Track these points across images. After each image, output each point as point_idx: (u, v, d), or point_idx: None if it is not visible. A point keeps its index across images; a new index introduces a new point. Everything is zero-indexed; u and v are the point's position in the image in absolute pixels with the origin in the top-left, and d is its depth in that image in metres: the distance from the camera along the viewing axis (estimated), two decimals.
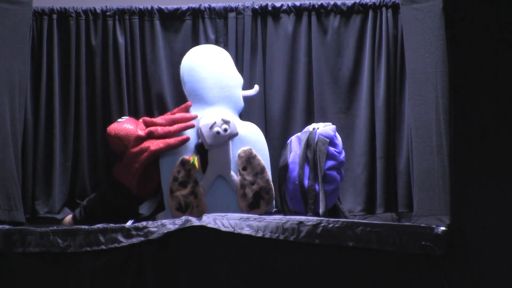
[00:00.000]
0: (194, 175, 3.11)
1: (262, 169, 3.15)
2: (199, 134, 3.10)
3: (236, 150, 3.15)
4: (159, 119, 3.15)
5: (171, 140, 3.09)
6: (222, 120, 3.09)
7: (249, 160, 3.14)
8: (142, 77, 3.43)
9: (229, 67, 3.28)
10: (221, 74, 3.24)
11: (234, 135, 3.11)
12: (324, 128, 3.15)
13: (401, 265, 2.67)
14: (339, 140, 3.16)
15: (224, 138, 3.09)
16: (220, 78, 3.23)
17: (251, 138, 3.19)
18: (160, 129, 3.10)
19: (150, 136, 3.10)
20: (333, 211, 3.14)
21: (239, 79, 3.28)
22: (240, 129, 3.15)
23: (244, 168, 3.14)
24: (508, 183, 2.67)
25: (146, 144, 3.10)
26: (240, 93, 3.25)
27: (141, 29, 3.44)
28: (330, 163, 3.09)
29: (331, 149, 3.10)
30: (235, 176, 3.14)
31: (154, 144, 3.09)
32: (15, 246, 2.72)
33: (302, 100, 3.44)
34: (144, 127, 3.15)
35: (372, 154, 3.38)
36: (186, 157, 3.10)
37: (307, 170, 3.09)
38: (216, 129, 3.08)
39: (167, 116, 3.16)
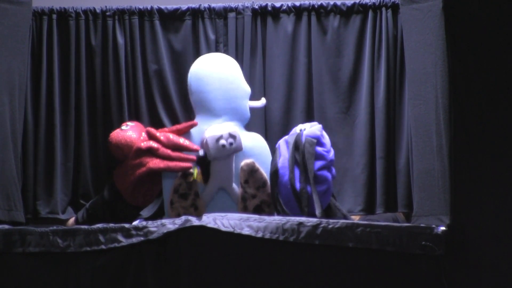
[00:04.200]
0: (195, 187, 3.10)
1: (264, 183, 3.14)
2: (204, 145, 3.09)
3: (239, 163, 3.14)
4: (162, 137, 3.10)
5: (172, 164, 3.07)
6: (229, 134, 3.07)
7: (251, 173, 3.13)
8: (142, 77, 3.43)
9: (237, 77, 3.25)
10: (229, 85, 3.21)
11: (238, 150, 3.10)
12: (310, 129, 3.12)
13: (401, 265, 2.67)
14: (326, 139, 3.14)
15: (228, 152, 3.07)
16: (227, 89, 3.20)
17: (255, 150, 3.17)
18: (160, 150, 3.08)
19: (150, 151, 3.08)
20: (328, 209, 3.13)
21: (246, 90, 3.25)
22: (245, 141, 3.13)
23: (246, 181, 3.13)
24: (508, 183, 2.67)
25: (146, 159, 3.08)
26: (247, 104, 3.23)
27: (141, 29, 3.44)
28: (320, 163, 3.07)
29: (319, 149, 3.08)
30: (236, 189, 3.14)
31: (153, 162, 3.07)
32: (15, 246, 2.72)
33: (302, 100, 3.44)
34: (147, 138, 3.13)
35: (372, 154, 3.38)
36: (190, 169, 3.09)
37: (297, 173, 3.06)
38: (222, 142, 3.06)
39: (171, 137, 3.11)
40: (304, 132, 3.11)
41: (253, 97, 3.31)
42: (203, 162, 3.10)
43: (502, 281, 2.66)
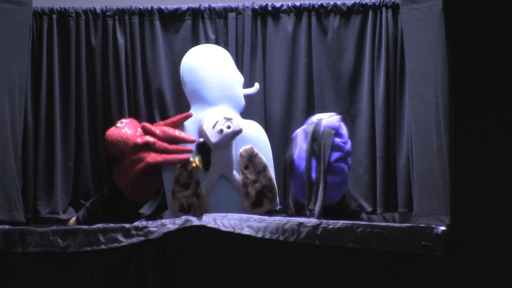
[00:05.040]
0: (196, 176, 3.10)
1: (264, 167, 3.14)
2: (203, 135, 3.09)
3: (237, 149, 3.14)
4: (158, 131, 3.10)
5: (170, 157, 3.06)
6: (224, 118, 3.08)
7: (251, 158, 3.14)
8: (142, 77, 3.43)
9: (229, 65, 3.26)
10: (221, 73, 3.22)
11: (238, 131, 3.09)
12: (329, 119, 3.11)
13: (401, 265, 2.67)
14: (344, 130, 3.12)
15: (228, 136, 3.07)
16: (220, 77, 3.21)
17: (253, 136, 3.18)
18: (157, 144, 3.07)
19: (147, 146, 3.08)
20: (343, 198, 3.13)
21: (239, 78, 3.26)
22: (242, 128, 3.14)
23: (246, 167, 3.13)
24: (508, 183, 2.67)
25: (143, 154, 3.07)
26: (241, 92, 3.24)
27: (141, 29, 3.44)
28: (337, 154, 3.05)
29: (337, 140, 3.07)
30: (237, 176, 3.14)
31: (151, 157, 3.06)
32: (15, 246, 2.72)
33: (302, 100, 3.44)
34: (143, 134, 3.13)
35: (372, 154, 3.38)
36: (190, 158, 3.09)
37: (314, 163, 3.06)
38: (219, 127, 3.06)
39: (166, 130, 3.10)
40: (322, 122, 3.10)
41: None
42: (203, 150, 3.10)
43: (502, 281, 2.66)
